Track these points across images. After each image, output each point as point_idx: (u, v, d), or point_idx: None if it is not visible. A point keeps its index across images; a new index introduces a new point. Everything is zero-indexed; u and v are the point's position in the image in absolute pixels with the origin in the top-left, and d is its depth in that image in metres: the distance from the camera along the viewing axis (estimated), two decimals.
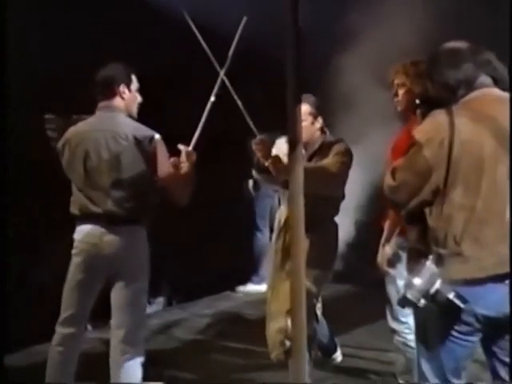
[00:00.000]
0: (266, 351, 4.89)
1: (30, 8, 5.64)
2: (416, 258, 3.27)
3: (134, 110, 4.41)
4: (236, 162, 6.37)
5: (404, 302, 3.19)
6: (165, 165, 4.28)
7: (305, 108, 4.59)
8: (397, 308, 4.32)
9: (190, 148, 4.35)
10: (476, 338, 3.26)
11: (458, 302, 3.12)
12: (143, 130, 4.29)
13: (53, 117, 4.59)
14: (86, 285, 4.31)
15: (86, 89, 4.32)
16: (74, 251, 4.35)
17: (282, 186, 4.64)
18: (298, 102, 3.10)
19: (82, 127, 4.37)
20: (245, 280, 7.44)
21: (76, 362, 4.35)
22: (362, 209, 6.65)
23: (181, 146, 4.31)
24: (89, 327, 5.57)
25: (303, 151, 4.71)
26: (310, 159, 4.73)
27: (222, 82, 4.52)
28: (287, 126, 3.12)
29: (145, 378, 4.38)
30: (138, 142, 4.22)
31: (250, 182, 7.20)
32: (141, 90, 4.43)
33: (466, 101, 3.27)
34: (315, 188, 4.31)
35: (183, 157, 4.31)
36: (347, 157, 4.66)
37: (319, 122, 4.75)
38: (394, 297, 4.34)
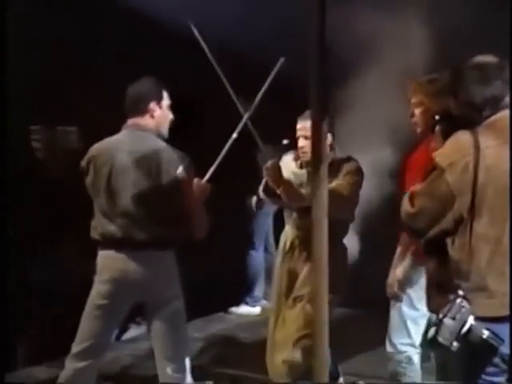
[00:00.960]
0: (263, 378, 4.70)
1: (30, 8, 5.52)
2: (438, 293, 3.04)
3: (165, 129, 4.14)
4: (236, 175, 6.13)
5: (435, 345, 2.94)
6: (192, 194, 4.02)
7: (305, 123, 4.36)
8: (397, 333, 4.08)
9: (204, 180, 4.10)
10: (501, 379, 2.99)
11: (493, 341, 2.86)
12: (175, 152, 4.03)
13: (37, 128, 4.40)
14: (110, 314, 4.07)
15: (88, 92, 4.11)
16: (96, 278, 4.09)
17: (288, 206, 4.43)
18: (322, 119, 2.90)
19: (107, 145, 4.10)
20: (238, 301, 7.16)
21: None
22: (359, 225, 6.43)
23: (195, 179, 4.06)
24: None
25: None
26: None
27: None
28: (311, 144, 2.95)
29: None
30: (169, 164, 3.97)
31: (254, 199, 6.79)
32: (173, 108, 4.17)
33: (492, 121, 3.03)
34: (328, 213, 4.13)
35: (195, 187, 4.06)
36: (358, 176, 4.44)
37: (328, 139, 4.49)
38: (395, 323, 4.10)
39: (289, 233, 4.62)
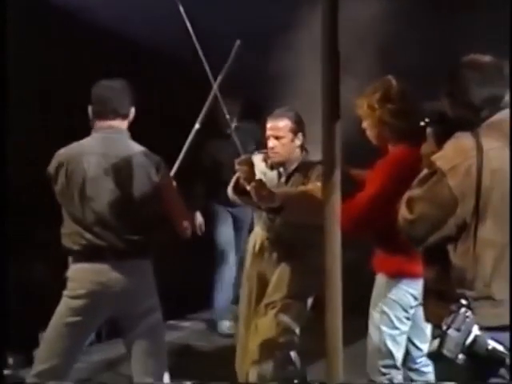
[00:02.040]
0: None
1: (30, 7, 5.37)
2: (438, 303, 2.90)
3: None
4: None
5: (438, 358, 2.79)
6: (173, 194, 3.89)
7: (284, 123, 4.27)
8: (379, 356, 3.90)
9: (172, 174, 4.04)
10: None
11: (500, 352, 2.73)
12: (150, 156, 3.83)
13: None
14: (82, 330, 3.83)
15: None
16: (68, 293, 3.81)
17: (258, 206, 4.25)
18: (335, 121, 2.67)
19: (77, 150, 3.84)
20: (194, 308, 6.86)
21: None
22: None
23: None
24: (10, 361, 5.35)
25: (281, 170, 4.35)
26: (287, 180, 4.37)
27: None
28: (322, 148, 2.69)
29: None
30: (144, 168, 3.78)
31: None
32: None
33: (494, 122, 2.90)
34: (300, 216, 3.97)
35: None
36: None
37: (299, 139, 4.34)
38: (375, 345, 3.91)
39: (258, 234, 4.46)
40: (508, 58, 2.98)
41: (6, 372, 5.53)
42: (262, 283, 4.36)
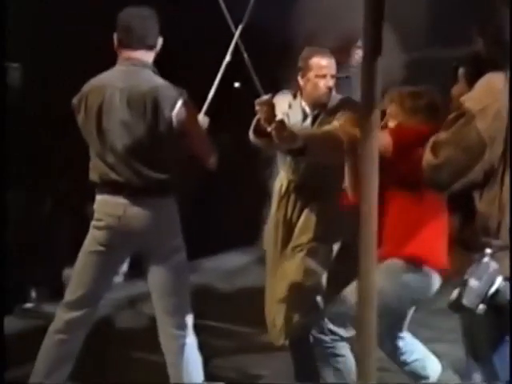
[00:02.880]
0: (247, 332, 4.58)
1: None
2: (462, 252, 2.79)
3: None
4: None
5: (458, 308, 2.68)
6: (197, 128, 3.75)
7: (332, 61, 4.14)
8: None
9: (202, 113, 3.93)
10: None
11: None
12: (172, 89, 3.68)
13: None
14: (106, 261, 3.77)
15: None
16: (93, 223, 3.78)
17: (279, 148, 4.12)
18: (376, 59, 2.52)
19: (100, 82, 3.74)
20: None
21: (77, 354, 3.80)
22: None
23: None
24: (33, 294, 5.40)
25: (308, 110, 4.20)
26: (313, 121, 4.21)
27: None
28: (361, 86, 2.56)
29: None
30: (165, 102, 3.63)
31: None
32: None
33: None
34: (324, 157, 3.89)
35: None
36: None
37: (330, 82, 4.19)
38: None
39: (283, 178, 4.32)
40: None
41: (27, 305, 5.59)
42: (288, 227, 4.25)
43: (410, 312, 3.80)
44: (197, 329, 3.95)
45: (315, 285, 4.16)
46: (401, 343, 3.84)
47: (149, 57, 3.72)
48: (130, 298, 5.84)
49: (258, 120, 3.97)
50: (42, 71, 5.63)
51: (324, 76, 4.13)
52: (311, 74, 4.14)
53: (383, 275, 3.43)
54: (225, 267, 6.71)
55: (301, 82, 4.20)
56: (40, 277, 5.85)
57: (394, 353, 3.85)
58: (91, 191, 3.84)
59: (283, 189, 4.29)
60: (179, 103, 3.63)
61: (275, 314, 4.20)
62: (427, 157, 2.78)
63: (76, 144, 3.94)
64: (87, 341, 3.84)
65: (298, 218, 4.23)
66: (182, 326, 3.81)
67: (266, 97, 3.96)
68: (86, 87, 3.74)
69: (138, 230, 3.69)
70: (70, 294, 3.78)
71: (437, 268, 3.64)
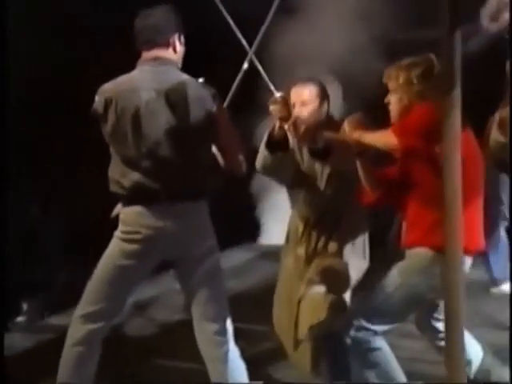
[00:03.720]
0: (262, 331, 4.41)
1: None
2: None
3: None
4: None
5: None
6: (230, 128, 3.60)
7: (310, 89, 4.00)
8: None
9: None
10: None
11: None
12: (205, 87, 3.57)
13: None
14: (134, 274, 3.61)
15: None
16: (122, 236, 3.59)
17: (288, 183, 4.02)
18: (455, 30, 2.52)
19: (127, 85, 3.56)
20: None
21: (97, 365, 3.67)
22: None
23: None
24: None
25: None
26: None
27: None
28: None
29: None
30: (201, 101, 3.50)
31: None
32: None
33: None
34: (350, 162, 3.68)
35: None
36: None
37: (326, 106, 4.06)
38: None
39: (298, 218, 4.13)
40: None
41: (20, 319, 5.43)
42: (308, 264, 4.08)
43: None
44: None
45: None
46: (439, 325, 3.73)
47: (170, 54, 3.61)
48: (138, 304, 5.64)
49: (272, 131, 3.84)
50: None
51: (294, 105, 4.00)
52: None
53: (415, 270, 3.41)
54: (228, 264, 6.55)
55: None
56: (31, 288, 5.70)
57: (433, 336, 3.78)
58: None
59: (300, 229, 4.12)
60: (214, 101, 3.54)
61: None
62: (495, 135, 2.65)
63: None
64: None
65: (324, 248, 4.06)
66: (224, 332, 3.66)
67: (279, 94, 3.85)
68: (109, 93, 3.56)
69: (175, 237, 3.55)
70: (89, 306, 3.62)
71: (470, 253, 3.52)
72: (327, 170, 3.93)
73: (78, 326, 3.62)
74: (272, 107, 3.80)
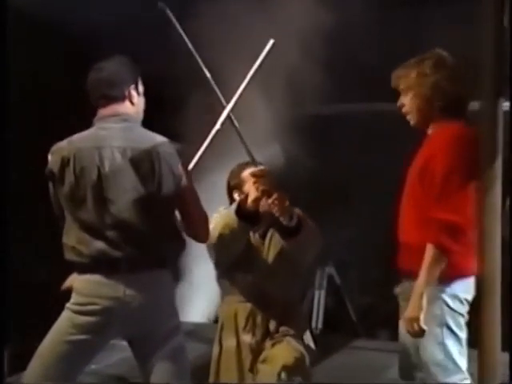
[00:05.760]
0: None
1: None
2: None
3: (140, 120, 3.41)
4: None
5: None
6: (194, 193, 3.35)
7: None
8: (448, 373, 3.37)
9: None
10: None
11: None
12: (171, 145, 3.28)
13: None
14: (87, 350, 3.26)
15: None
16: (75, 308, 3.26)
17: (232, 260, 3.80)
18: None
19: (84, 142, 3.26)
20: None
21: None
22: None
23: None
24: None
25: None
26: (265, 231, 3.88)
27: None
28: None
29: None
30: (167, 161, 3.25)
31: None
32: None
33: None
34: (313, 242, 3.78)
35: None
36: None
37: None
38: (439, 364, 3.33)
39: (234, 303, 3.86)
40: None
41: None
42: (258, 355, 3.82)
43: None
44: None
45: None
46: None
47: (127, 108, 3.34)
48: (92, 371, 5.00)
49: (243, 201, 3.65)
50: None
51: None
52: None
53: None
54: None
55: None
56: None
57: None
58: None
59: (241, 315, 3.84)
60: (180, 161, 3.30)
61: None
62: None
63: None
64: None
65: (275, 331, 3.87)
66: None
67: (261, 167, 3.70)
68: (66, 150, 3.26)
69: (136, 312, 3.23)
70: (32, 381, 3.28)
71: None
72: (277, 249, 3.82)
73: None
74: (254, 180, 3.60)
